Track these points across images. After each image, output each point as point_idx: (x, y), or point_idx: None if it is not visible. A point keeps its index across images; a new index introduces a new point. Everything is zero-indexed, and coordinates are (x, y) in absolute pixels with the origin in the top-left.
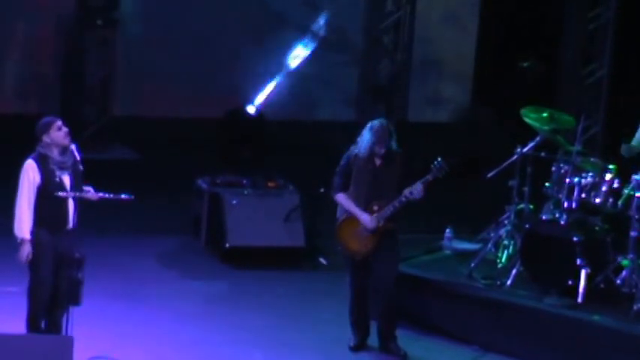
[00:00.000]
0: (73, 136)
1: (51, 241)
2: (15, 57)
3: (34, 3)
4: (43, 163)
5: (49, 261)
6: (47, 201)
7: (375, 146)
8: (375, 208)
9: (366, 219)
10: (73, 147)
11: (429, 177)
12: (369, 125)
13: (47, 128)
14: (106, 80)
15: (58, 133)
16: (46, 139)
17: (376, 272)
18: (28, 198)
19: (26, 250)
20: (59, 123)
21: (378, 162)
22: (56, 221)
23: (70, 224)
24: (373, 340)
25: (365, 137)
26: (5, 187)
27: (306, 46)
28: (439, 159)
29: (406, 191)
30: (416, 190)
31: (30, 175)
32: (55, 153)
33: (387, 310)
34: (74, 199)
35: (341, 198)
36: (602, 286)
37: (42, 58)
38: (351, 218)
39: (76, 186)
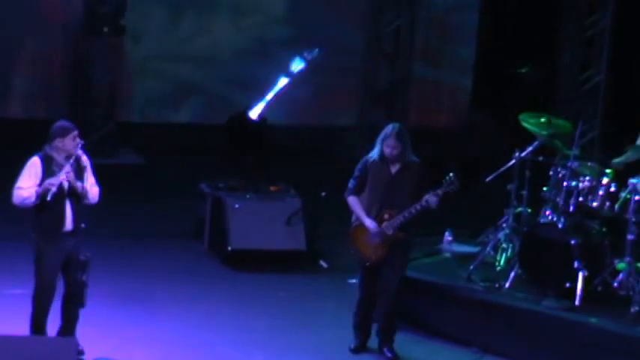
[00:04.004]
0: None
1: (52, 244)
2: (23, 63)
3: (42, 10)
4: (47, 163)
5: (53, 264)
6: (43, 203)
7: (386, 149)
8: (386, 216)
9: (370, 224)
10: (79, 151)
11: (439, 191)
12: (384, 129)
13: (64, 134)
14: (112, 86)
15: (72, 143)
16: (58, 143)
17: (382, 278)
18: (26, 182)
19: (55, 180)
20: (76, 133)
21: (393, 169)
22: (52, 223)
23: (68, 227)
24: (373, 342)
25: (378, 141)
26: (8, 193)
27: (307, 54)
28: (451, 174)
29: (417, 204)
30: (432, 200)
31: (32, 170)
32: (60, 157)
33: (388, 313)
34: (72, 203)
35: (351, 201)
36: (599, 288)
37: (50, 65)
38: (364, 224)
39: (74, 192)
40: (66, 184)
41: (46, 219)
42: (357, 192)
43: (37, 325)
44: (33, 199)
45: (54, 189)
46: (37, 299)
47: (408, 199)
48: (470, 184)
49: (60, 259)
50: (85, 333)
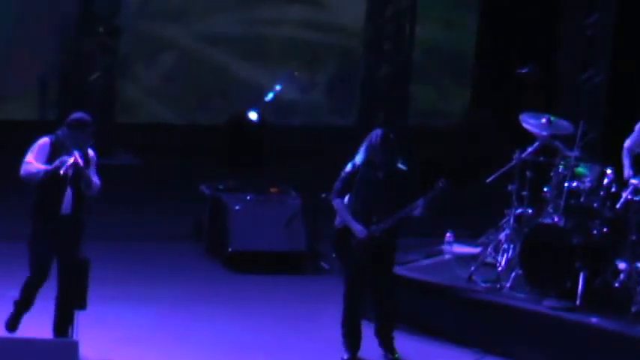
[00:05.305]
0: None
1: (47, 226)
2: (16, 64)
3: (35, 10)
4: (54, 148)
5: (46, 244)
6: (44, 186)
7: (372, 156)
8: (374, 220)
9: (358, 228)
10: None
11: (428, 196)
12: (370, 134)
13: (82, 128)
14: (108, 87)
15: (86, 138)
16: (73, 134)
17: (376, 281)
18: (32, 159)
19: (68, 157)
20: (93, 130)
21: (380, 175)
22: (51, 204)
23: (66, 209)
24: (372, 345)
25: (364, 146)
26: (4, 194)
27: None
28: (443, 180)
29: (405, 210)
30: (416, 207)
31: (39, 150)
32: (71, 146)
33: (387, 314)
34: (73, 189)
35: (338, 204)
36: (600, 288)
37: (44, 65)
38: (348, 228)
39: (77, 179)
40: (70, 171)
41: (45, 201)
42: (343, 194)
43: (19, 309)
44: (41, 174)
45: (68, 163)
46: (27, 282)
47: (395, 205)
48: (470, 184)
49: (54, 242)
50: (84, 334)
